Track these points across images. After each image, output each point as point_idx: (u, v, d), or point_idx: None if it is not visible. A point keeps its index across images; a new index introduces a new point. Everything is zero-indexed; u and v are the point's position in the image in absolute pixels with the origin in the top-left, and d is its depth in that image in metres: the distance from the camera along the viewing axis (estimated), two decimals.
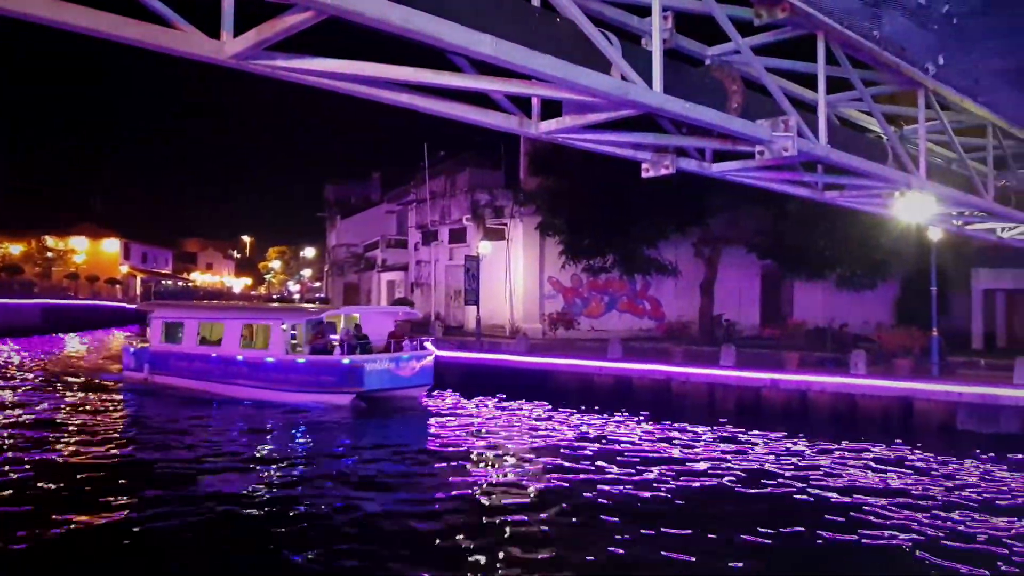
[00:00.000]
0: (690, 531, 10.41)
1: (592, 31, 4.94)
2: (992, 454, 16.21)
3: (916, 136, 8.87)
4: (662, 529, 10.40)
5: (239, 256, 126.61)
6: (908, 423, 19.24)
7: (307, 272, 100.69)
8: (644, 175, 7.67)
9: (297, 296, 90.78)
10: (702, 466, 14.57)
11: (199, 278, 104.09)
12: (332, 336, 22.19)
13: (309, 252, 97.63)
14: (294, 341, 22.32)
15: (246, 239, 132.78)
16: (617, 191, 25.58)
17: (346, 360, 20.77)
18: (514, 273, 34.87)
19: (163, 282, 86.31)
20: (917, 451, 16.75)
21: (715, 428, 18.49)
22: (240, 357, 22.71)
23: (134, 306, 56.90)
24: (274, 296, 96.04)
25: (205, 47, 4.78)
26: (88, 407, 21.06)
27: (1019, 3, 5.35)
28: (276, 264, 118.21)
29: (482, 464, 14.87)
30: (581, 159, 24.00)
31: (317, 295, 74.18)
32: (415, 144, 39.71)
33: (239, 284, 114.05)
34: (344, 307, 28.07)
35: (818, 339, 27.70)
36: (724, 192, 21.36)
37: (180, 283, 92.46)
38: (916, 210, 11.30)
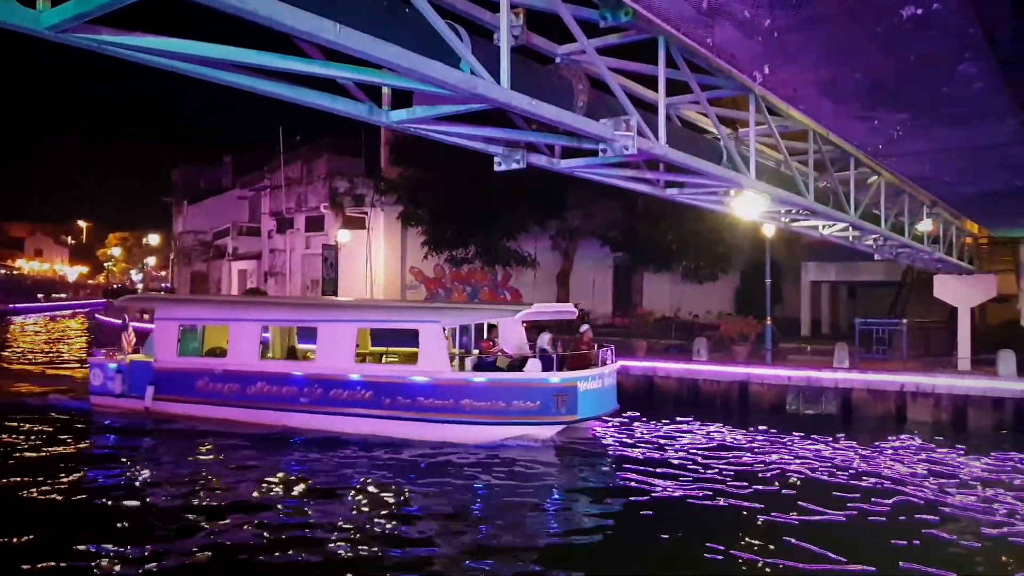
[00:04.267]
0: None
1: (439, 23, 4.93)
2: (815, 435, 17.82)
3: (749, 139, 9.55)
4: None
5: (74, 242, 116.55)
6: (745, 404, 20.81)
7: (151, 260, 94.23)
8: (496, 169, 7.80)
9: (140, 287, 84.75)
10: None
11: (26, 266, 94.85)
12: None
13: (153, 239, 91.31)
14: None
15: (82, 224, 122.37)
16: (479, 183, 25.82)
17: (555, 378, 15.27)
18: (375, 263, 34.36)
19: None
20: (749, 431, 18.09)
21: None
22: (356, 376, 16.30)
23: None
24: (115, 286, 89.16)
25: (18, 16, 4.34)
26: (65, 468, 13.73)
27: (830, 22, 5.87)
28: (116, 251, 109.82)
29: None
30: (443, 150, 24.01)
31: (163, 284, 69.66)
32: (271, 127, 38.13)
33: (74, 272, 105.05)
34: (537, 305, 18.01)
35: (665, 327, 29.28)
36: (581, 187, 22.09)
37: (1, 271, 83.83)
38: (749, 207, 12.16)
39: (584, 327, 17.31)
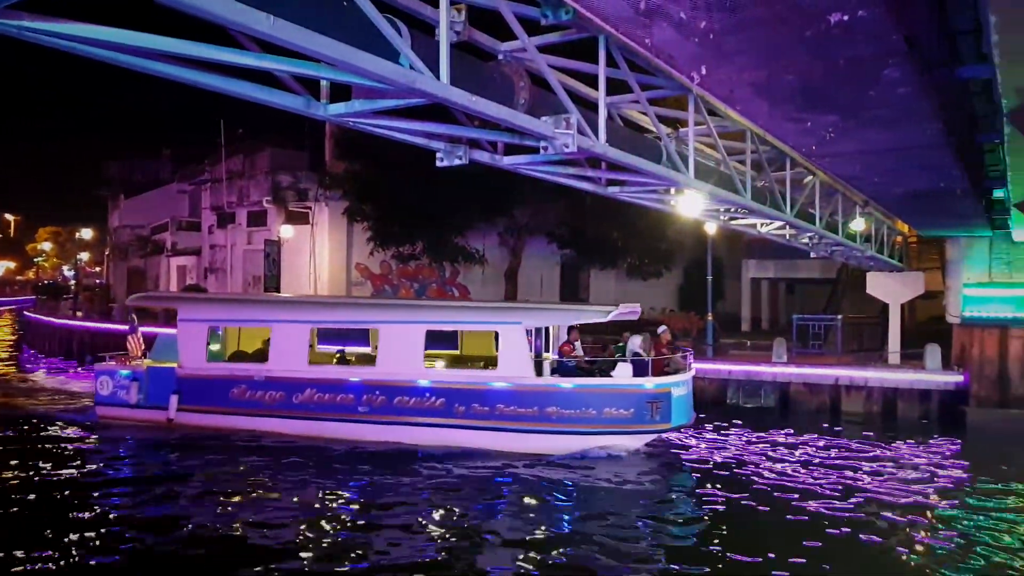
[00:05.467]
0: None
1: (376, 17, 4.90)
2: (751, 427, 18.29)
3: (688, 138, 9.73)
4: None
5: (1, 236, 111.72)
6: None
7: (85, 256, 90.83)
8: (438, 164, 7.79)
9: (73, 283, 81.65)
10: None
11: None
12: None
13: (87, 234, 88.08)
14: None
15: (10, 217, 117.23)
16: (427, 178, 25.68)
17: (649, 384, 14.29)
18: (319, 259, 33.86)
19: None
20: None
21: None
22: (425, 382, 15.03)
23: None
24: (45, 282, 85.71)
25: None
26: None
27: (763, 25, 6.02)
28: (47, 246, 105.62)
29: None
30: (390, 145, 23.75)
31: (97, 281, 67.31)
32: (211, 120, 37.12)
33: (0, 268, 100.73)
34: (623, 305, 16.04)
35: (610, 324, 29.59)
36: (529, 184, 22.16)
37: None
38: (689, 205, 12.41)
39: (662, 328, 16.26)
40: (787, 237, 17.02)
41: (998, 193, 15.79)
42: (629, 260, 32.55)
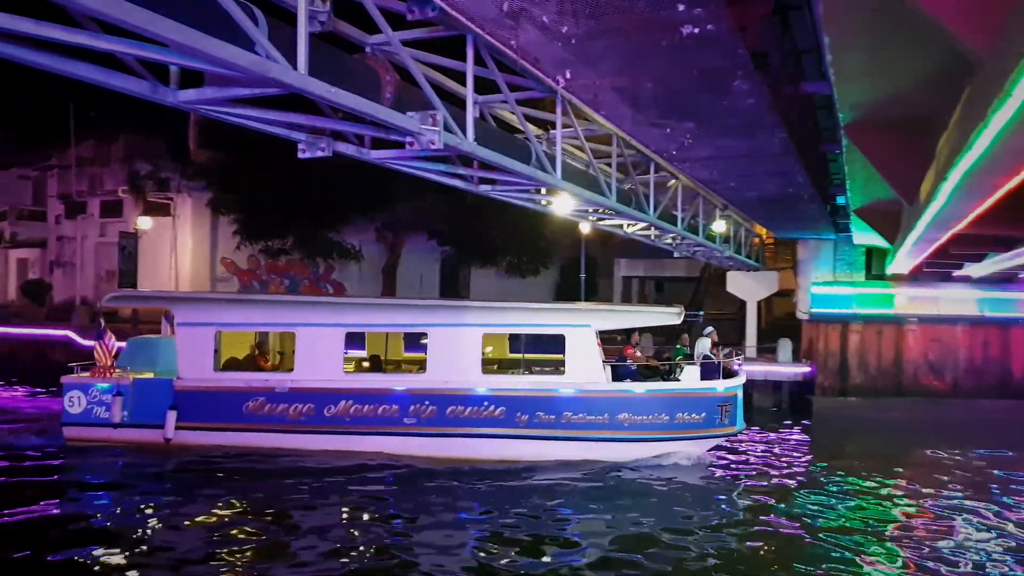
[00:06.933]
0: None
1: (228, 2, 4.67)
2: None
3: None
4: None
5: None
6: None
7: None
8: (300, 155, 7.54)
9: None
10: None
11: None
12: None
13: None
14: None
15: None
16: (298, 170, 24.84)
17: (720, 387, 13.76)
18: (181, 254, 32.04)
19: None
20: None
21: None
22: (483, 390, 13.75)
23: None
24: None
25: None
26: None
27: (623, 33, 6.21)
28: None
29: None
30: (257, 132, 22.79)
31: None
32: (60, 99, 34.14)
33: None
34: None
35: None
36: (408, 179, 21.90)
37: None
38: (559, 205, 12.68)
39: (709, 329, 15.53)
40: (652, 237, 17.74)
41: (840, 200, 17.20)
42: (509, 258, 32.92)
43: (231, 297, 19.50)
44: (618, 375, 14.14)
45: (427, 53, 7.62)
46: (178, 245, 31.85)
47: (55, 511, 10.99)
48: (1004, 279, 23.90)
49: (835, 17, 5.39)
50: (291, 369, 14.60)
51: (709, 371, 13.88)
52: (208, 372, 14.47)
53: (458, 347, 13.97)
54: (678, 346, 15.93)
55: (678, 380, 14.01)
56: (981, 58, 4.68)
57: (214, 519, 10.73)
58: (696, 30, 5.57)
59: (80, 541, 9.59)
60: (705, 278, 33.11)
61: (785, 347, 22.28)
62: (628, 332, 16.03)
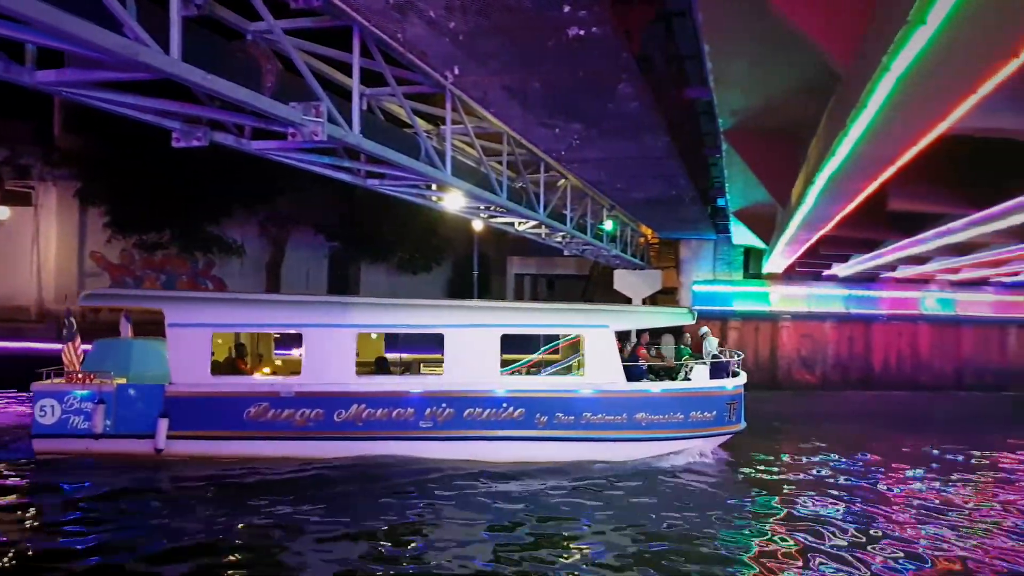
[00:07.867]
0: None
1: None
2: None
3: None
4: None
5: None
6: None
7: None
8: (174, 145, 7.15)
9: None
10: None
11: None
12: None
13: None
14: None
15: None
16: (176, 160, 23.53)
17: (730, 385, 14.12)
18: (44, 247, 29.70)
19: None
20: None
21: None
22: (501, 392, 13.41)
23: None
24: None
25: None
26: None
27: (510, 32, 6.22)
28: None
29: None
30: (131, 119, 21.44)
31: None
32: None
33: None
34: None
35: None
36: (294, 171, 21.23)
37: None
38: (449, 202, 12.63)
39: (704, 329, 15.69)
40: (543, 236, 17.99)
41: (721, 202, 18.04)
42: (400, 254, 32.50)
43: (229, 297, 18.04)
44: (631, 375, 14.11)
45: (312, 43, 7.39)
46: (41, 238, 29.48)
47: (25, 541, 9.09)
48: (867, 278, 25.88)
49: (715, 25, 5.62)
50: (273, 372, 14.04)
51: (718, 370, 14.25)
52: (204, 376, 13.49)
53: (475, 349, 13.65)
54: (681, 346, 16.19)
55: (688, 379, 14.25)
56: (843, 70, 5.00)
57: (214, 540, 9.37)
58: (582, 32, 5.65)
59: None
60: (594, 276, 33.91)
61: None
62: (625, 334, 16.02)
